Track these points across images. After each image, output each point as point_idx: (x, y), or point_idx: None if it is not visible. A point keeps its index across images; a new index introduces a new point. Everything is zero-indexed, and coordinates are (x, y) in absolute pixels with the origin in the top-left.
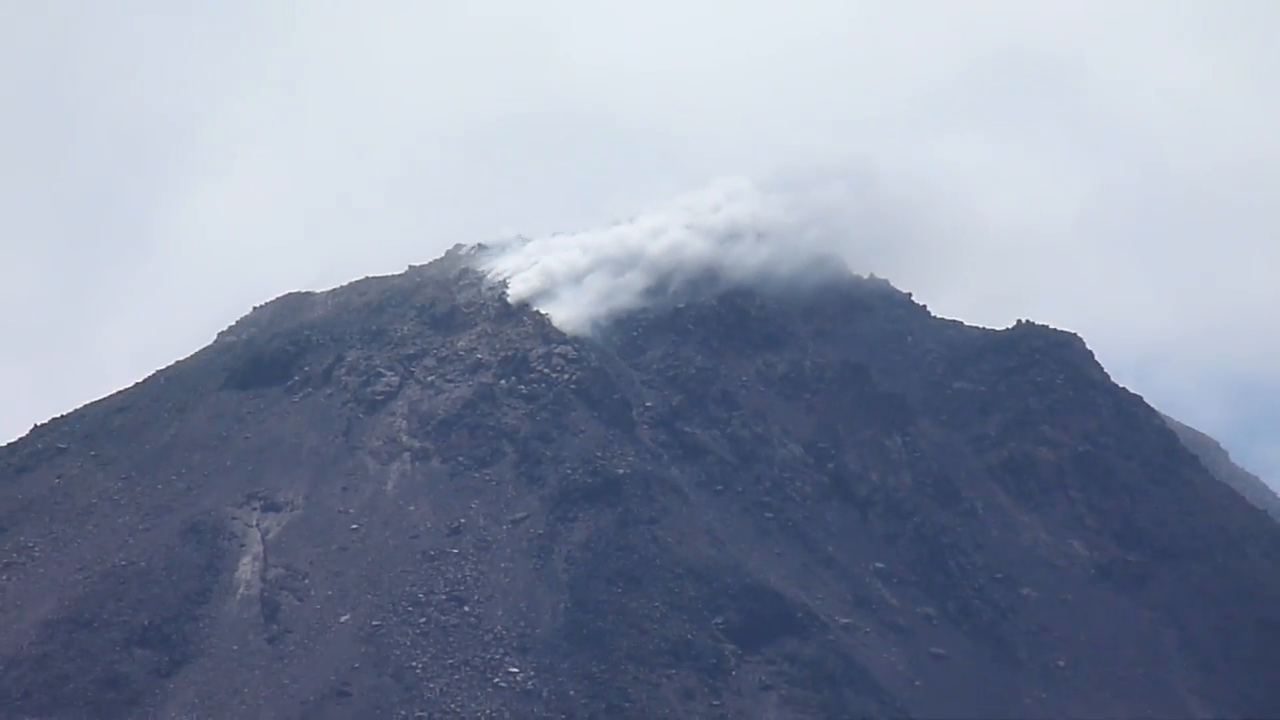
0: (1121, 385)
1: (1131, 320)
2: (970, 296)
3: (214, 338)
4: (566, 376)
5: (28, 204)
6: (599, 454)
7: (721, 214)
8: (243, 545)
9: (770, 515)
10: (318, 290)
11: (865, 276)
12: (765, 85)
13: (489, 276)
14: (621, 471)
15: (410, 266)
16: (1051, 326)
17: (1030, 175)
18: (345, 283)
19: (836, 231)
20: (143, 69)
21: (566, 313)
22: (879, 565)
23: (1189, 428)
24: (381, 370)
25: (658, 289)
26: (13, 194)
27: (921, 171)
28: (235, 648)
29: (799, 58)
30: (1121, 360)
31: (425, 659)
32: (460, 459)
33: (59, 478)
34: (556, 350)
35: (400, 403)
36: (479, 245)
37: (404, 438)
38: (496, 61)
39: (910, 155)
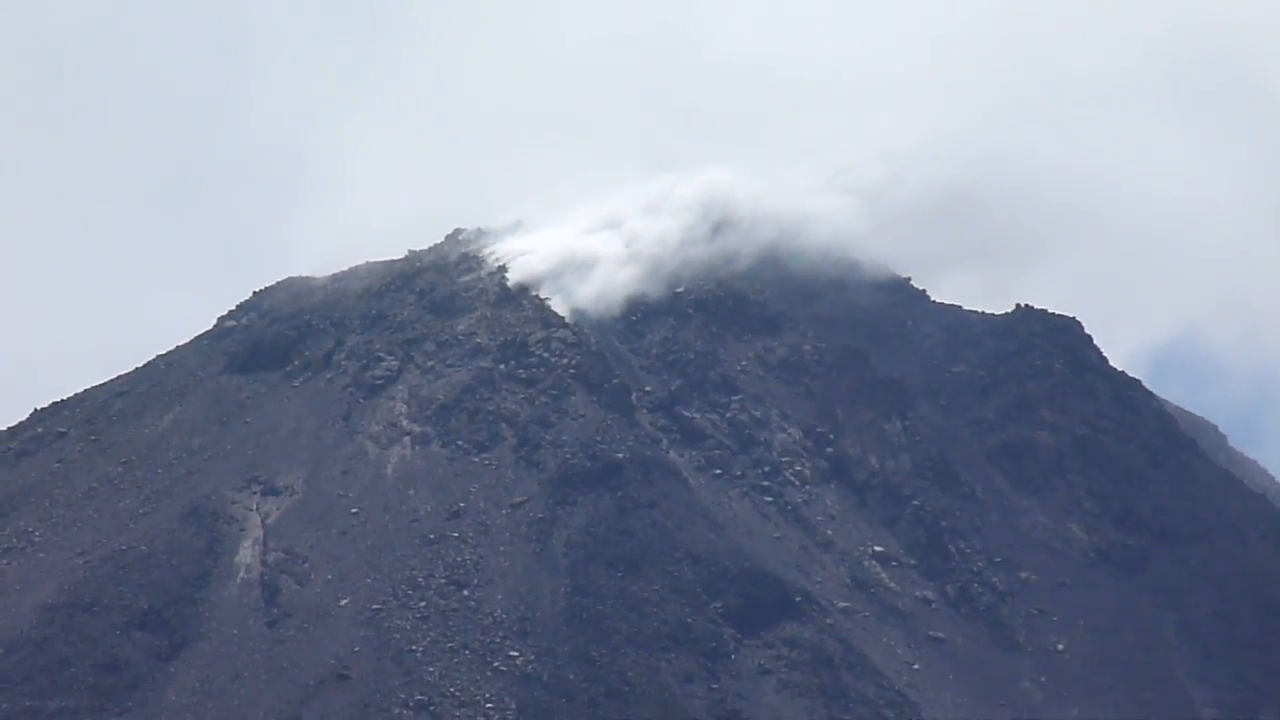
0: (1120, 369)
1: None
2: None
3: (214, 322)
4: (565, 361)
5: (163, 245)
6: (598, 438)
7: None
8: (243, 529)
9: (769, 499)
10: (317, 275)
11: (865, 260)
12: (923, 69)
13: (488, 261)
14: (621, 456)
15: (410, 251)
16: (1050, 310)
17: (1200, 165)
18: (345, 267)
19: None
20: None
21: (566, 297)
22: (878, 549)
23: (1188, 412)
24: (381, 355)
25: (656, 274)
26: (148, 235)
27: (1084, 162)
28: (235, 631)
29: (959, 44)
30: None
31: (425, 643)
32: (460, 443)
33: (59, 462)
34: (555, 334)
35: (400, 387)
36: (478, 229)
37: (404, 422)
38: (639, 44)
39: (1077, 145)
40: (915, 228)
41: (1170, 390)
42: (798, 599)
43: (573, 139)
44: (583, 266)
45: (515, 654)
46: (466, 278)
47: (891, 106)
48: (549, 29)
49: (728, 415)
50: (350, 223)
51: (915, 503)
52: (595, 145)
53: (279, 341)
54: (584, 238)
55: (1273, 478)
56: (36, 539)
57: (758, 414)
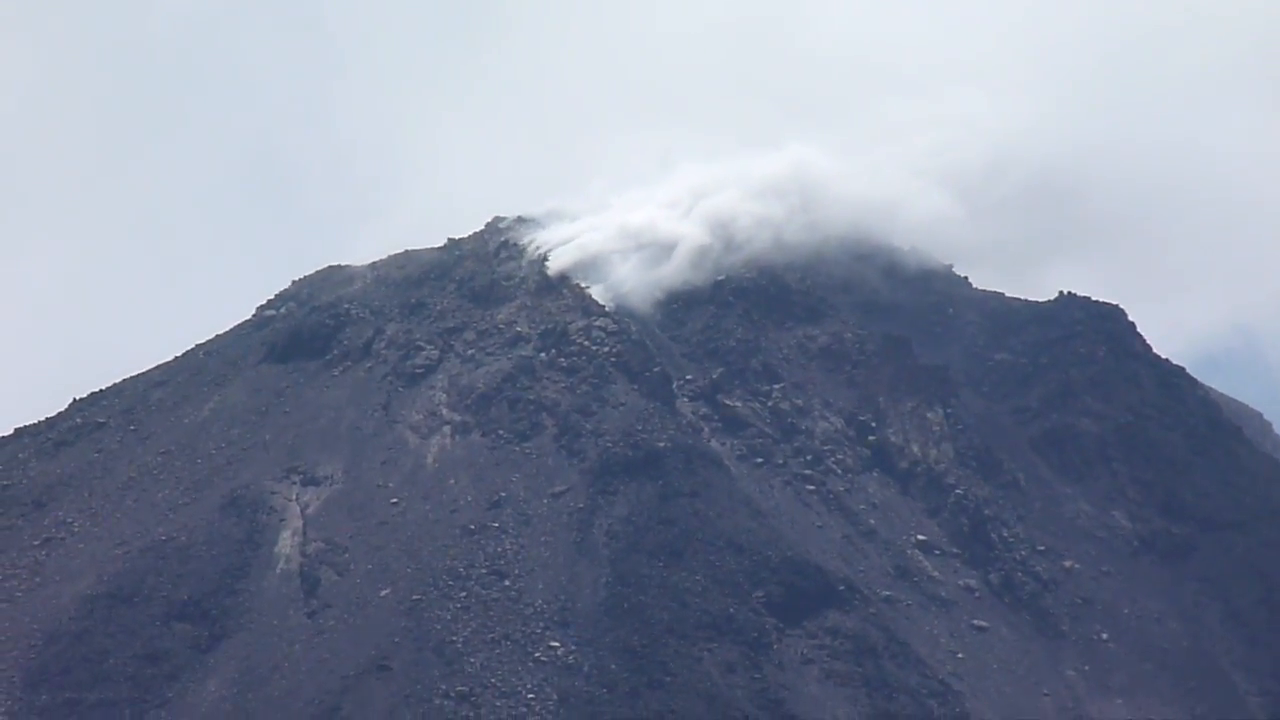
0: (1164, 357)
1: None
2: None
3: (253, 311)
4: (606, 349)
5: (203, 235)
6: (639, 427)
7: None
8: (282, 519)
9: (811, 488)
10: (357, 264)
11: (906, 248)
12: (1017, 55)
13: (529, 249)
14: (662, 445)
15: (449, 239)
16: (1093, 298)
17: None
18: (384, 256)
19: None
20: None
21: (606, 285)
22: (920, 537)
23: (1233, 400)
24: (421, 344)
25: (699, 262)
26: (189, 226)
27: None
28: (275, 622)
29: (1053, 32)
30: None
31: (466, 633)
32: (500, 432)
33: (98, 452)
34: (596, 323)
35: (440, 376)
36: (518, 218)
37: (444, 411)
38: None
39: (1179, 135)
40: (1005, 214)
41: (1218, 382)
42: (840, 588)
43: (646, 125)
44: (623, 254)
45: (556, 644)
46: (507, 267)
47: (979, 91)
48: (641, 19)
49: (769, 404)
50: (426, 206)
51: (958, 491)
52: (667, 129)
53: (318, 330)
54: (629, 224)
55: None
56: (76, 529)
57: (799, 402)
